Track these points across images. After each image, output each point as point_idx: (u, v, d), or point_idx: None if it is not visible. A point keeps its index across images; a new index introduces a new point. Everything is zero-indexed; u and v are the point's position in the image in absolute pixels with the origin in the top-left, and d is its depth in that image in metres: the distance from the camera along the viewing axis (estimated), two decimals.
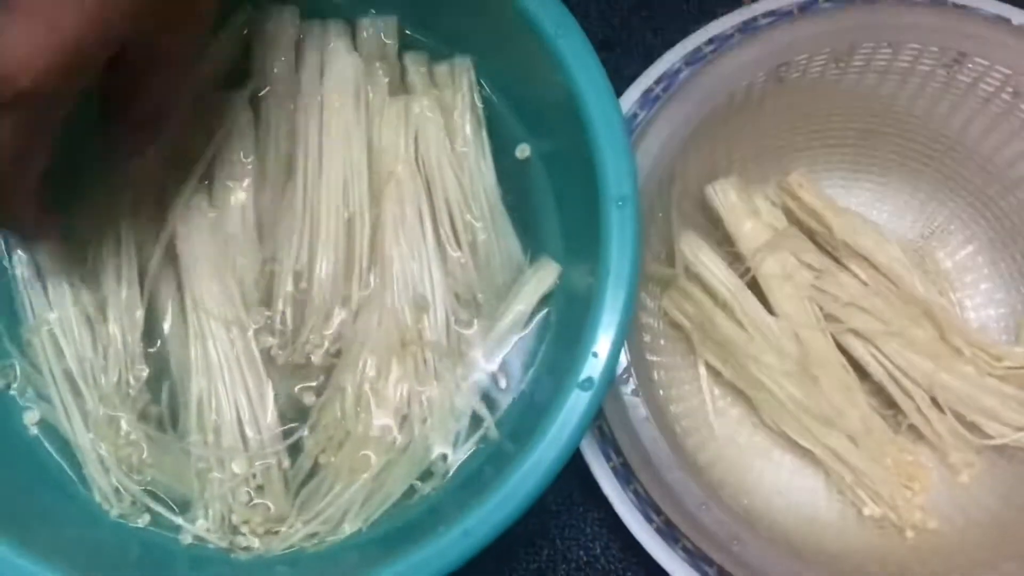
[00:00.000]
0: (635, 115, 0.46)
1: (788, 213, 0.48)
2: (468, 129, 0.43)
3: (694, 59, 0.46)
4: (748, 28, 0.46)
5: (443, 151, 0.42)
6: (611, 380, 0.34)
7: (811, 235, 0.48)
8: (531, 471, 0.32)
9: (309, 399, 0.40)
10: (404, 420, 0.40)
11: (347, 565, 0.36)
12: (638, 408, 0.40)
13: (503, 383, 0.40)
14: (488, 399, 0.40)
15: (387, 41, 0.44)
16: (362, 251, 0.41)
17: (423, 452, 0.39)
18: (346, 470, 0.39)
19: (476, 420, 0.40)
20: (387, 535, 0.38)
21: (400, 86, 0.44)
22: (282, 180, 0.42)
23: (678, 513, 0.39)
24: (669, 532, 0.42)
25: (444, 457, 0.39)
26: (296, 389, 0.40)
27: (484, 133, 0.43)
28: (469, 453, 0.39)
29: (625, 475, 0.42)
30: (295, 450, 0.40)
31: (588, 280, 0.36)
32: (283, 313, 0.41)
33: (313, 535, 0.38)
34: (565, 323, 0.40)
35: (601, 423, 0.42)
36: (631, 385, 0.40)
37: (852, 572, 0.41)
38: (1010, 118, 0.44)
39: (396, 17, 0.43)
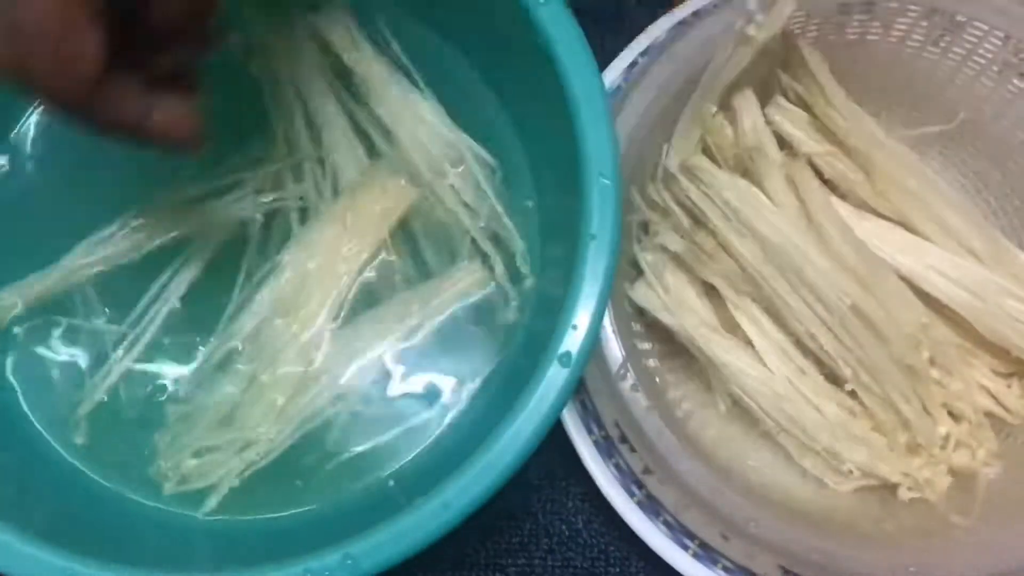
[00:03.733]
0: (619, 88, 0.46)
1: None
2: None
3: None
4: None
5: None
6: (590, 353, 0.33)
7: None
8: (510, 443, 0.32)
9: None
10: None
11: (324, 536, 0.35)
12: (639, 402, 0.39)
13: None
14: None
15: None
16: None
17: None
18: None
19: None
20: (364, 506, 0.37)
21: None
22: None
23: (695, 504, 0.39)
24: (651, 506, 0.42)
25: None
26: None
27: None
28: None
29: (607, 448, 0.42)
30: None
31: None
32: None
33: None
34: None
35: (583, 397, 0.42)
36: (630, 381, 0.39)
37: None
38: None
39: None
